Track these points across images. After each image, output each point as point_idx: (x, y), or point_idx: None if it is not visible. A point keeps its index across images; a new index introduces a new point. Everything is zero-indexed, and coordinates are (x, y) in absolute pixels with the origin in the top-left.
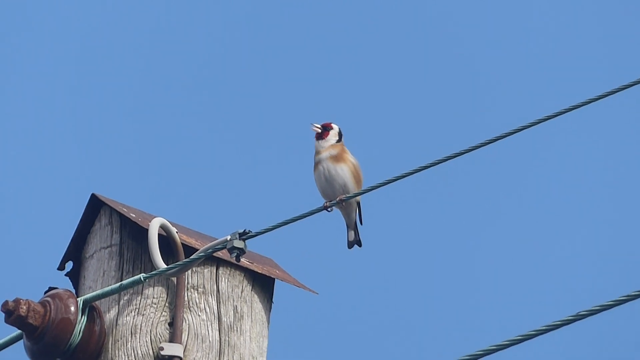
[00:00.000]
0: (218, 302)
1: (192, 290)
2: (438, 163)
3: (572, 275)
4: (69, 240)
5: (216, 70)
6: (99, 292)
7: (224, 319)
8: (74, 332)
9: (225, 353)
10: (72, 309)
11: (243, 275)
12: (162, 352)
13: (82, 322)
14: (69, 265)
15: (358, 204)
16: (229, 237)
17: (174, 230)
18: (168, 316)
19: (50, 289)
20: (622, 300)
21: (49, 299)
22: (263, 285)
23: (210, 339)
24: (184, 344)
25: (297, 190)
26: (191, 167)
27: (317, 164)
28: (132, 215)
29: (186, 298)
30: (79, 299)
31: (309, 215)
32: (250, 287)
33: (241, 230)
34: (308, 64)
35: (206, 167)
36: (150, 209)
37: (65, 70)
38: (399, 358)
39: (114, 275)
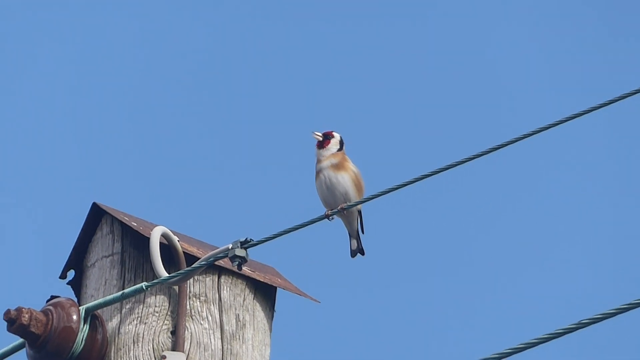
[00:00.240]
0: (220, 311)
1: (194, 298)
2: (440, 171)
3: (575, 282)
4: (71, 249)
5: (217, 79)
6: (100, 300)
7: (226, 327)
8: (76, 341)
9: None
10: (74, 317)
11: (245, 283)
12: None
13: (84, 330)
14: (71, 274)
15: (359, 212)
16: (230, 246)
17: (175, 238)
18: (170, 325)
19: (52, 297)
20: (625, 308)
21: (51, 307)
22: (265, 293)
23: (213, 348)
24: (186, 352)
25: (299, 198)
26: (193, 175)
27: (318, 172)
28: (134, 224)
29: (188, 306)
30: (81, 307)
31: (310, 224)
32: (252, 296)
33: (243, 239)
34: (311, 71)
35: (208, 175)
36: (151, 218)
37: (68, 76)
38: None
39: (115, 283)
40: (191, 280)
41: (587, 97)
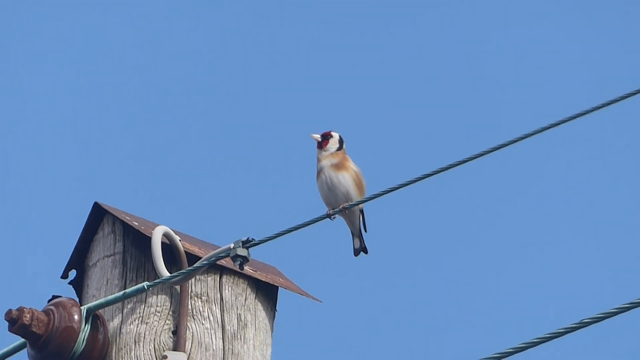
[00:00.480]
0: (222, 311)
1: (195, 298)
2: (442, 171)
3: (575, 282)
4: (72, 249)
5: (219, 80)
6: (102, 300)
7: (227, 327)
8: (78, 341)
9: None
10: (76, 317)
11: (247, 283)
12: None
13: (85, 330)
14: (72, 274)
15: (361, 211)
16: (232, 245)
17: (177, 238)
18: (172, 324)
19: (54, 297)
20: (625, 308)
21: (52, 307)
22: (267, 293)
23: (214, 347)
24: (188, 352)
25: (301, 198)
26: (194, 175)
27: (319, 172)
28: (135, 224)
29: (190, 306)
30: (82, 307)
31: (312, 224)
32: (254, 295)
33: (244, 239)
34: (311, 71)
35: (209, 175)
36: (153, 217)
37: (69, 77)
38: None
39: (117, 283)
40: (193, 279)
41: (587, 97)
